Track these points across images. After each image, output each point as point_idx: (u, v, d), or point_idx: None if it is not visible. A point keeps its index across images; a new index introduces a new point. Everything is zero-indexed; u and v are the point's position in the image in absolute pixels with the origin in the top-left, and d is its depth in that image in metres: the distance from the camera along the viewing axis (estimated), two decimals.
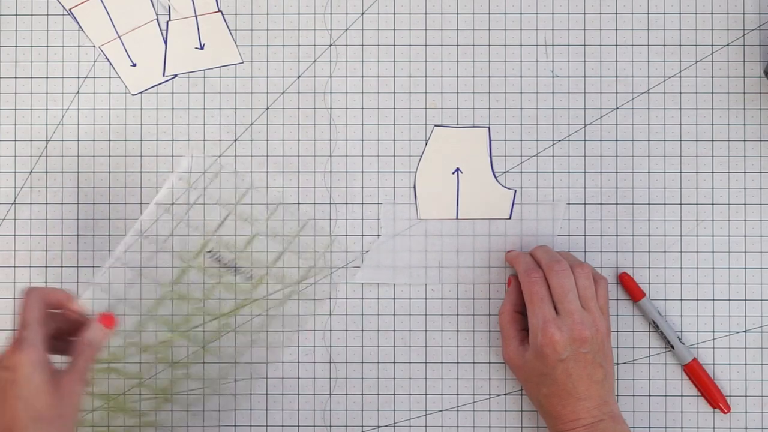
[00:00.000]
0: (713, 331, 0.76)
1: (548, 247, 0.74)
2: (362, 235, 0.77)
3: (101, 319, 0.65)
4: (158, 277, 0.75)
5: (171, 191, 0.73)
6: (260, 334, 0.75)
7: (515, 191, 0.77)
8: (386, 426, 0.77)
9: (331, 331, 0.77)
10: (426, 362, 0.77)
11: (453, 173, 0.77)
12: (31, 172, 0.77)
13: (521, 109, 0.77)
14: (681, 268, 0.76)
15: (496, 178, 0.77)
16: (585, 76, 0.77)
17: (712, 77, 0.77)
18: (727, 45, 0.77)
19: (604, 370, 0.70)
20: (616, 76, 0.77)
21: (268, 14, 0.77)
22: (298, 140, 0.77)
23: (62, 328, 0.66)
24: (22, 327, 0.63)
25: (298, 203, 0.76)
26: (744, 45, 0.77)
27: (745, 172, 0.77)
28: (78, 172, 0.77)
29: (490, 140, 0.77)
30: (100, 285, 0.75)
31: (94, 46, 0.77)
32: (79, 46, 0.77)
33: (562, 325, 0.69)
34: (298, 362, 0.76)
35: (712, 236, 0.77)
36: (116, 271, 0.76)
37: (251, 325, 0.76)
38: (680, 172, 0.77)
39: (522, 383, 0.74)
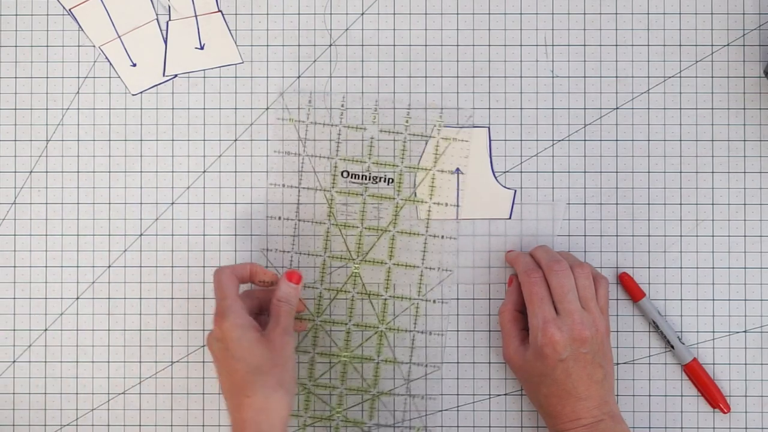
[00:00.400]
0: (713, 331, 0.76)
1: (548, 247, 0.74)
2: (362, 232, 0.77)
3: (287, 276, 0.71)
4: (315, 216, 0.77)
5: None
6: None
7: (515, 191, 0.77)
8: (386, 426, 0.77)
9: (331, 327, 0.77)
10: (426, 363, 0.77)
11: (453, 173, 0.77)
12: (31, 172, 0.77)
13: (521, 109, 0.77)
14: (681, 268, 0.76)
15: (496, 178, 0.77)
16: (585, 76, 0.77)
17: (712, 77, 0.77)
18: (727, 45, 0.77)
19: (604, 370, 0.70)
20: (616, 76, 0.77)
21: (268, 14, 0.77)
22: (298, 140, 0.77)
23: (263, 304, 0.73)
24: (221, 299, 0.68)
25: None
26: (744, 45, 0.77)
27: (745, 172, 0.77)
28: (78, 172, 0.77)
29: (490, 140, 0.77)
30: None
31: (94, 46, 0.77)
32: (79, 46, 0.77)
33: (562, 325, 0.69)
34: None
35: (712, 236, 0.77)
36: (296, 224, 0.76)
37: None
38: (680, 172, 0.77)
39: (522, 383, 0.74)
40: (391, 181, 0.77)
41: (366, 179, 0.76)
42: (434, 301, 0.76)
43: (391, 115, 0.77)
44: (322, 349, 0.77)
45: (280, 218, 0.77)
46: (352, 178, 0.76)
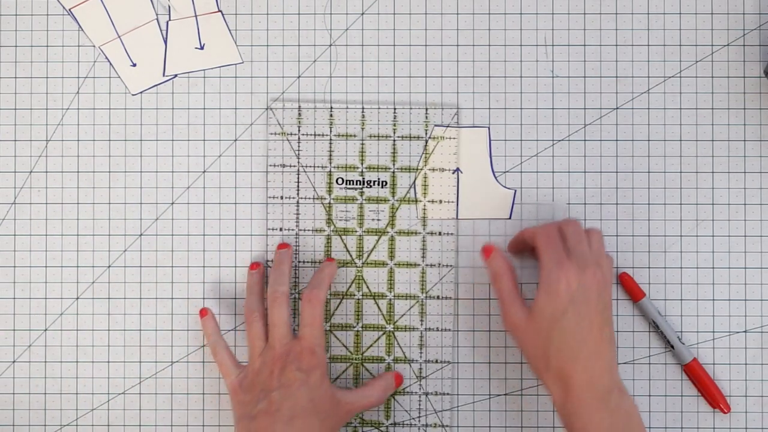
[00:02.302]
0: (713, 331, 0.76)
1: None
2: (364, 233, 0.77)
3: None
4: (315, 225, 0.77)
5: None
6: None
7: (515, 191, 0.77)
8: (389, 425, 0.77)
9: (330, 327, 0.77)
10: (426, 361, 0.77)
11: (453, 173, 0.77)
12: (31, 172, 0.77)
13: (521, 109, 0.77)
14: (681, 268, 0.76)
15: (496, 178, 0.77)
16: (585, 76, 0.77)
17: (712, 77, 0.77)
18: (727, 45, 0.77)
19: (611, 330, 0.68)
20: (616, 76, 0.77)
21: (268, 14, 0.77)
22: (299, 140, 0.77)
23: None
24: (309, 327, 0.71)
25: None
26: (744, 45, 0.77)
27: (745, 172, 0.77)
28: (78, 172, 0.77)
29: (490, 140, 0.77)
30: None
31: (94, 46, 0.78)
32: (79, 46, 0.77)
33: (576, 264, 0.67)
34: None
35: (712, 236, 0.77)
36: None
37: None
38: (680, 172, 0.77)
39: (528, 347, 0.69)
40: (384, 183, 0.77)
41: (361, 184, 0.77)
42: (438, 297, 0.77)
43: (380, 118, 0.77)
44: (335, 354, 0.77)
45: (281, 229, 0.77)
46: (347, 184, 0.76)
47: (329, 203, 0.77)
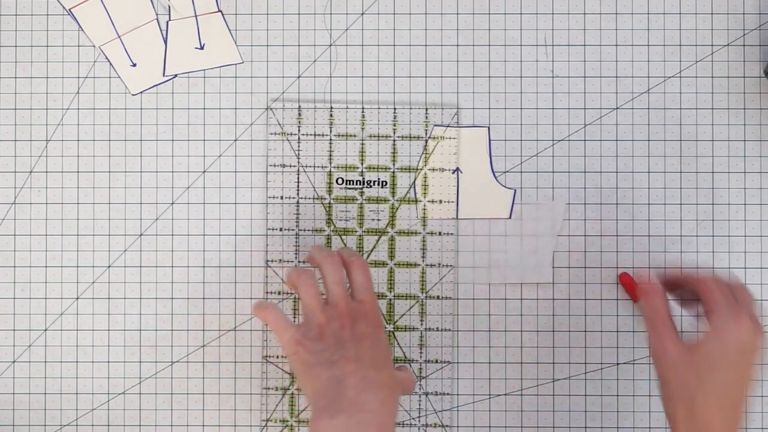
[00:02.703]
0: None
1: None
2: (364, 233, 0.77)
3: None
4: (315, 225, 0.77)
5: None
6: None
7: (515, 191, 0.77)
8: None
9: None
10: (425, 361, 0.77)
11: (453, 173, 0.77)
12: (31, 172, 0.77)
13: (521, 109, 0.77)
14: (681, 268, 0.76)
15: (496, 178, 0.77)
16: (585, 76, 0.77)
17: (712, 77, 0.77)
18: (727, 45, 0.77)
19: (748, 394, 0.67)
20: (616, 76, 0.77)
21: (268, 14, 0.77)
22: (299, 140, 0.77)
23: None
24: (366, 291, 0.69)
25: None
26: (744, 45, 0.77)
27: (745, 172, 0.77)
28: (78, 172, 0.77)
29: (490, 140, 0.77)
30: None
31: (94, 46, 0.78)
32: (79, 46, 0.77)
33: (751, 320, 0.65)
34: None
35: (712, 236, 0.77)
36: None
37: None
38: (680, 172, 0.77)
39: (672, 380, 0.66)
40: (384, 183, 0.77)
41: (361, 184, 0.77)
42: (438, 297, 0.77)
43: (380, 118, 0.77)
44: None
45: (281, 230, 0.77)
46: (347, 184, 0.76)
47: (329, 203, 0.77)
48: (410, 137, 0.77)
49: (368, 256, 0.77)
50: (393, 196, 0.77)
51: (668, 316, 0.68)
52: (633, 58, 0.77)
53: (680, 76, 0.77)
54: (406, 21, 0.77)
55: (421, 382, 0.77)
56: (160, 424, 0.77)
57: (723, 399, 0.65)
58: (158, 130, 0.77)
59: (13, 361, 0.77)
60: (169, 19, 0.77)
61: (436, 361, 0.77)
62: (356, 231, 0.77)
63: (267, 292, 0.76)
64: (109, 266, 0.77)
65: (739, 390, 0.66)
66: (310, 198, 0.77)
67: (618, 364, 0.76)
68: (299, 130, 0.77)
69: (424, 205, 0.77)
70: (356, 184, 0.77)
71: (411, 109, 0.77)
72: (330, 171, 0.77)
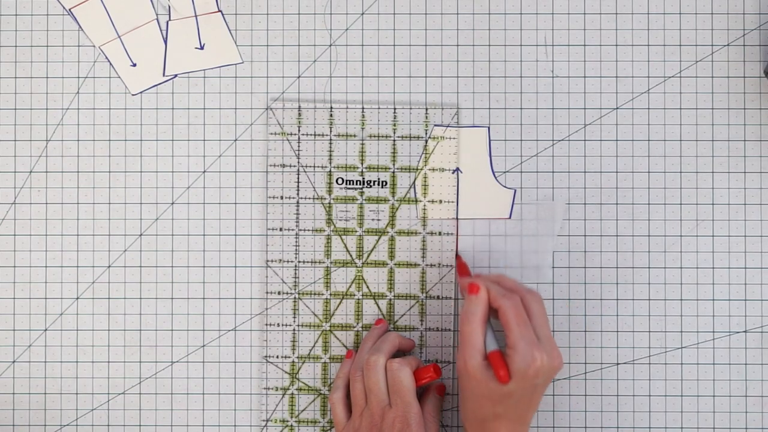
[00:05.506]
0: (713, 331, 0.76)
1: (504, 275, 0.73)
2: (364, 233, 0.77)
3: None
4: (315, 225, 0.77)
5: None
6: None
7: (515, 191, 0.77)
8: None
9: (330, 327, 0.77)
10: (425, 361, 0.77)
11: (453, 173, 0.77)
12: (31, 172, 0.77)
13: (521, 109, 0.77)
14: (681, 268, 0.76)
15: (496, 178, 0.77)
16: (585, 76, 0.77)
17: (712, 77, 0.77)
18: (727, 45, 0.77)
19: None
20: (616, 76, 0.77)
21: (268, 14, 0.77)
22: (299, 140, 0.77)
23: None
24: (397, 395, 0.71)
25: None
26: (744, 45, 0.77)
27: (745, 172, 0.77)
28: (78, 172, 0.77)
29: (490, 140, 0.77)
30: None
31: (94, 46, 0.78)
32: (79, 46, 0.77)
33: (544, 351, 0.66)
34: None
35: (712, 236, 0.77)
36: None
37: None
38: (680, 172, 0.77)
39: (470, 397, 0.69)
40: (384, 183, 0.77)
41: (361, 184, 0.77)
42: (438, 297, 0.77)
43: (380, 118, 0.77)
44: (335, 354, 0.77)
45: (281, 230, 0.77)
46: (347, 184, 0.76)
47: (329, 203, 0.77)
48: (410, 137, 0.77)
49: (368, 256, 0.77)
50: (393, 196, 0.77)
51: (480, 334, 0.68)
52: (633, 58, 0.77)
53: (680, 76, 0.77)
54: (406, 21, 0.77)
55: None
56: (160, 424, 0.77)
57: (514, 420, 0.68)
58: (158, 130, 0.77)
59: (13, 361, 0.77)
60: (169, 19, 0.77)
61: (436, 361, 0.77)
62: (356, 231, 0.77)
63: (267, 292, 0.77)
64: (109, 266, 0.77)
65: (531, 409, 0.69)
66: (310, 198, 0.77)
67: (618, 364, 0.76)
68: (299, 130, 0.77)
69: (424, 205, 0.77)
70: (356, 184, 0.77)
71: (411, 109, 0.77)
72: (330, 171, 0.77)
